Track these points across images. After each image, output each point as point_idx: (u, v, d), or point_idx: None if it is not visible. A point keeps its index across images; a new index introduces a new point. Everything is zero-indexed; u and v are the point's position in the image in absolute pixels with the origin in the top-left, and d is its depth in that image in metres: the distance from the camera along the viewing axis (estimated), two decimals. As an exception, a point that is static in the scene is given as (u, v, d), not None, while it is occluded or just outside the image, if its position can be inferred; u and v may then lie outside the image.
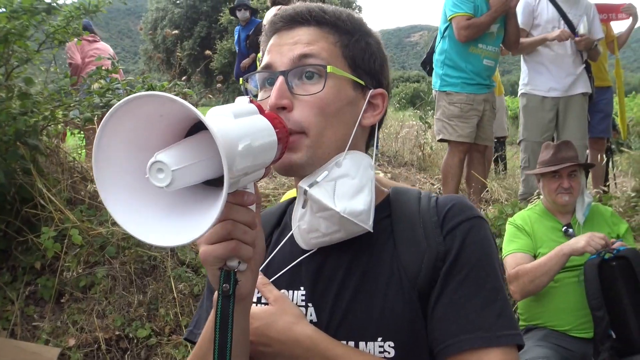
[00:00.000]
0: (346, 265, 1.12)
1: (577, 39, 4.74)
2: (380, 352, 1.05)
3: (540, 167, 3.28)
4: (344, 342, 1.06)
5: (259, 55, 7.14)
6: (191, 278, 4.05)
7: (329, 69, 1.09)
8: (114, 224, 4.27)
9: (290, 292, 1.15)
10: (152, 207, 0.83)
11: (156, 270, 4.17)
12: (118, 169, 0.80)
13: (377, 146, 1.31)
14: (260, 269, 1.09)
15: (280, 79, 1.08)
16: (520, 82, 5.09)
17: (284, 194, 5.05)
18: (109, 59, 4.61)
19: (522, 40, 4.87)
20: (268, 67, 1.13)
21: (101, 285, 4.05)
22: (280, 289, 1.14)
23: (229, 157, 0.77)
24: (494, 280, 1.06)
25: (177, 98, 0.74)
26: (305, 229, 1.11)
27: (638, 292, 2.78)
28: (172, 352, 3.70)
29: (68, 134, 5.14)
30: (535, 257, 3.09)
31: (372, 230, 1.08)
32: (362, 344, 1.05)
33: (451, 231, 1.09)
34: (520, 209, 3.72)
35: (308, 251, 1.15)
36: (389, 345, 1.05)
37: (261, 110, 0.94)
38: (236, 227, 0.87)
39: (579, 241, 2.86)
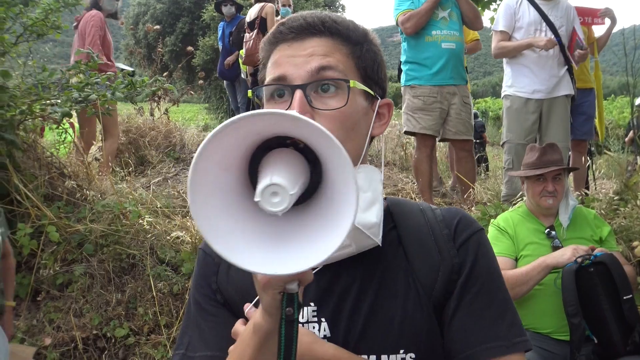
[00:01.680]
0: (360, 279, 1.12)
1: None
2: None
3: (525, 170, 3.26)
4: (365, 356, 1.07)
5: (242, 52, 7.11)
6: (171, 277, 3.98)
7: (351, 83, 1.08)
8: (92, 221, 4.22)
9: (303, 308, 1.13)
10: (249, 232, 0.79)
11: (135, 269, 4.10)
12: (211, 193, 0.76)
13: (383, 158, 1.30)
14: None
15: (299, 92, 1.05)
16: (504, 84, 5.08)
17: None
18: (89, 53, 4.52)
19: (506, 44, 4.88)
20: (282, 79, 1.09)
21: (78, 283, 3.97)
22: None
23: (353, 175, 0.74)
24: (504, 291, 1.14)
25: (305, 118, 0.72)
26: None
27: (617, 296, 2.79)
28: (150, 352, 3.64)
29: (46, 129, 5.04)
30: (517, 259, 3.08)
31: (380, 244, 1.09)
32: (384, 357, 1.07)
33: (463, 244, 1.13)
34: (503, 211, 3.71)
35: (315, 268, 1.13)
36: (410, 357, 1.07)
37: None
38: None
39: (565, 254, 2.86)
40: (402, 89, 5.18)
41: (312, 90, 1.07)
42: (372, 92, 1.14)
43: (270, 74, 1.11)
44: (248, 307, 1.12)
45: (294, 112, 0.72)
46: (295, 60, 1.09)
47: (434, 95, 4.88)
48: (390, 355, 1.07)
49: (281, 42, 1.13)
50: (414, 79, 5.00)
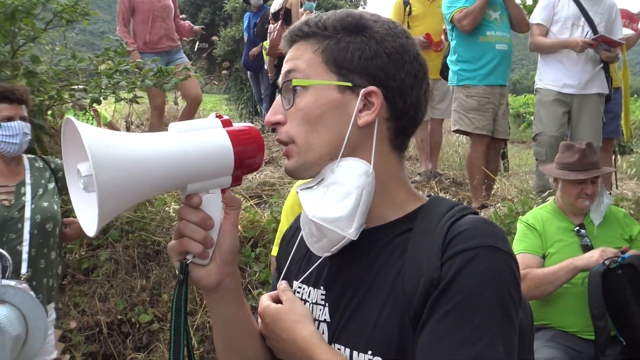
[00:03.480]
0: (362, 272, 1.12)
1: (607, 54, 4.68)
2: None
3: (564, 171, 3.18)
4: (343, 347, 1.09)
5: (265, 43, 7.14)
6: (195, 264, 4.00)
7: (293, 82, 1.12)
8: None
9: (314, 289, 1.19)
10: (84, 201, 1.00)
11: (159, 256, 4.13)
12: (72, 175, 1.01)
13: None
14: (298, 260, 1.26)
15: (278, 96, 1.16)
16: (537, 77, 5.06)
17: (289, 183, 5.06)
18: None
19: (543, 41, 4.83)
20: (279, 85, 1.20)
21: (104, 268, 4.02)
22: (308, 286, 1.21)
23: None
24: (484, 316, 0.97)
25: (77, 123, 0.90)
26: (306, 233, 1.16)
27: None
28: (174, 339, 3.66)
29: (65, 115, 5.07)
30: (544, 257, 3.06)
31: (353, 238, 1.07)
32: (355, 354, 1.07)
33: (451, 258, 1.01)
34: (530, 208, 3.68)
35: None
36: None
37: (227, 125, 1.06)
38: (186, 226, 1.02)
39: (593, 256, 2.83)
40: (452, 88, 5.22)
41: (286, 92, 1.14)
42: (344, 83, 1.11)
43: None
44: (280, 284, 1.21)
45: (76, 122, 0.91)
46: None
47: (487, 95, 4.91)
48: (360, 354, 1.06)
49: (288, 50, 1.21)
50: (467, 79, 5.01)
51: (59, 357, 3.37)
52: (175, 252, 1.04)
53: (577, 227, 3.10)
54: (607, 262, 2.80)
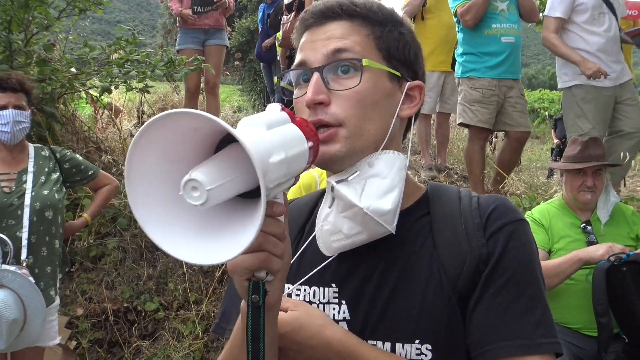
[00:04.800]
0: (383, 263, 1.09)
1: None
2: (417, 355, 1.02)
3: (565, 162, 3.20)
4: (381, 342, 1.04)
5: (278, 34, 7.11)
6: (202, 254, 4.03)
7: (364, 62, 1.07)
8: (127, 196, 4.28)
9: (322, 289, 1.12)
10: (186, 222, 0.82)
11: (167, 245, 4.15)
12: (151, 183, 0.79)
13: (411, 142, 1.27)
14: (292, 262, 1.10)
15: (316, 75, 1.07)
16: (570, 72, 4.68)
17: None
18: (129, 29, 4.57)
19: (558, 44, 4.58)
20: (302, 64, 1.12)
21: (111, 256, 4.05)
22: (311, 287, 1.13)
23: (264, 171, 0.75)
24: (535, 288, 1.03)
25: (207, 114, 0.73)
26: (328, 230, 1.09)
27: None
28: (179, 327, 3.70)
29: (79, 102, 5.12)
30: (550, 252, 3.05)
31: (394, 232, 1.05)
32: (398, 346, 1.03)
33: (494, 234, 1.06)
34: (537, 203, 3.66)
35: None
36: (426, 348, 1.02)
37: (292, 118, 0.93)
38: (267, 239, 0.85)
39: (598, 249, 2.82)
40: (457, 80, 5.12)
41: (331, 73, 1.08)
42: (396, 73, 1.13)
43: (295, 60, 1.14)
44: None
45: (198, 112, 0.73)
46: (314, 45, 1.11)
47: (492, 88, 4.79)
48: (405, 345, 1.03)
49: (306, 29, 1.15)
50: (472, 70, 4.92)
51: (64, 343, 3.42)
52: (244, 270, 0.87)
53: (584, 224, 3.09)
54: (611, 259, 2.79)
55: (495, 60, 4.81)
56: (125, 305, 3.85)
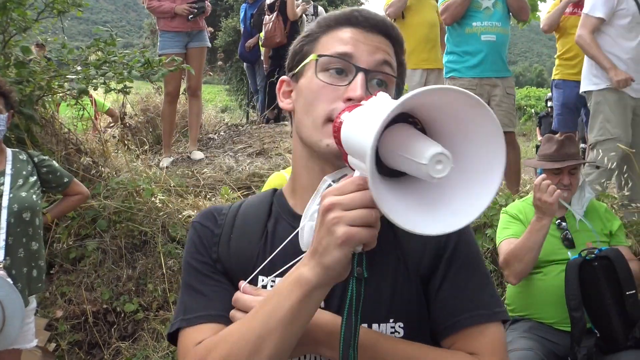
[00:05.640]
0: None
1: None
2: (391, 332, 1.15)
3: (542, 161, 3.22)
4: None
5: (261, 34, 7.10)
6: (181, 255, 4.03)
7: (406, 87, 1.25)
8: (106, 197, 4.28)
9: None
10: (405, 198, 0.93)
11: (146, 246, 4.16)
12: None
13: None
14: (268, 260, 1.18)
15: (362, 75, 1.14)
16: (597, 73, 4.51)
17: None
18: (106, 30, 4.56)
19: (592, 45, 4.45)
20: (348, 55, 1.17)
21: (91, 258, 4.05)
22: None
23: None
24: (484, 267, 1.24)
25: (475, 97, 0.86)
26: (312, 226, 1.10)
27: (620, 291, 2.79)
28: (158, 328, 3.70)
29: (62, 105, 5.10)
30: None
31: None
32: (374, 326, 1.14)
33: None
34: (513, 201, 3.69)
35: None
36: (399, 326, 1.15)
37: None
38: (377, 217, 0.92)
39: (547, 199, 2.84)
40: (444, 80, 5.14)
41: (370, 78, 1.16)
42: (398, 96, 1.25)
43: (332, 48, 1.18)
44: (243, 284, 1.17)
45: (474, 95, 0.85)
46: (363, 46, 1.17)
47: (473, 87, 4.74)
48: (381, 324, 1.15)
49: (349, 26, 1.20)
50: (453, 70, 4.94)
51: (43, 345, 3.41)
52: (357, 242, 0.93)
53: (559, 220, 3.12)
54: (583, 254, 2.84)
55: (475, 59, 4.80)
56: (105, 306, 3.84)
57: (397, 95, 1.25)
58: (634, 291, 2.78)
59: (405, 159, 0.89)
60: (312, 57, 1.20)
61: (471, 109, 0.87)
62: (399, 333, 1.15)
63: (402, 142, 0.91)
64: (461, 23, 4.83)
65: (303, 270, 0.99)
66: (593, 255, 2.83)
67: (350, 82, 1.14)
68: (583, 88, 4.66)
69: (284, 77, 1.30)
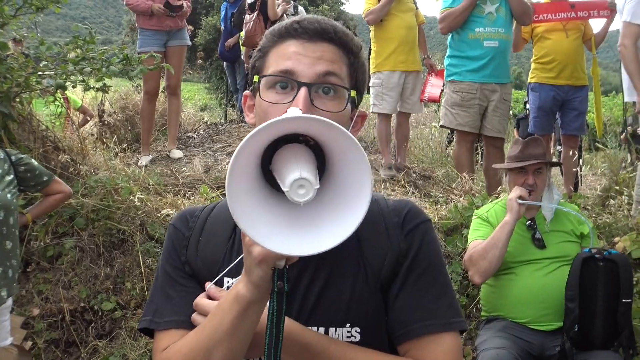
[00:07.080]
0: (314, 263, 1.21)
1: None
2: (347, 337, 1.18)
3: (507, 162, 3.30)
4: (315, 328, 1.17)
5: (242, 33, 7.09)
6: (159, 253, 4.02)
7: (352, 93, 1.20)
8: (84, 195, 4.26)
9: None
10: (274, 218, 0.94)
11: (125, 244, 4.15)
12: (247, 182, 0.91)
13: None
14: (234, 263, 1.23)
15: (305, 90, 1.14)
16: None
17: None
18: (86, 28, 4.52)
19: (632, 58, 4.18)
20: (289, 72, 1.17)
21: (68, 256, 4.03)
22: None
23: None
24: (444, 276, 1.25)
25: (334, 123, 0.86)
26: None
27: (616, 296, 2.85)
28: (136, 326, 3.69)
29: (34, 101, 5.05)
30: None
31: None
32: (332, 330, 1.18)
33: (411, 231, 1.25)
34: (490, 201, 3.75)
35: None
36: (355, 331, 1.18)
37: None
38: None
39: (511, 204, 3.03)
40: (445, 83, 5.21)
41: (314, 90, 1.16)
42: (357, 102, 1.26)
43: (275, 65, 1.19)
44: (209, 285, 1.22)
45: (328, 121, 0.86)
46: (304, 59, 1.16)
47: (473, 91, 4.83)
48: (338, 329, 1.18)
49: (292, 38, 1.20)
50: (454, 74, 5.00)
51: (20, 343, 3.39)
52: (274, 259, 0.97)
53: (529, 222, 3.18)
54: (593, 250, 2.92)
55: (477, 64, 4.86)
56: (82, 305, 3.82)
57: (359, 98, 1.27)
58: (630, 300, 2.85)
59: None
60: (255, 78, 1.23)
61: (341, 136, 0.88)
62: (355, 338, 1.19)
63: (281, 164, 0.94)
64: (463, 28, 4.87)
65: (239, 287, 1.05)
66: (602, 256, 2.90)
67: (294, 98, 1.14)
68: (627, 98, 4.49)
69: (246, 92, 1.33)
